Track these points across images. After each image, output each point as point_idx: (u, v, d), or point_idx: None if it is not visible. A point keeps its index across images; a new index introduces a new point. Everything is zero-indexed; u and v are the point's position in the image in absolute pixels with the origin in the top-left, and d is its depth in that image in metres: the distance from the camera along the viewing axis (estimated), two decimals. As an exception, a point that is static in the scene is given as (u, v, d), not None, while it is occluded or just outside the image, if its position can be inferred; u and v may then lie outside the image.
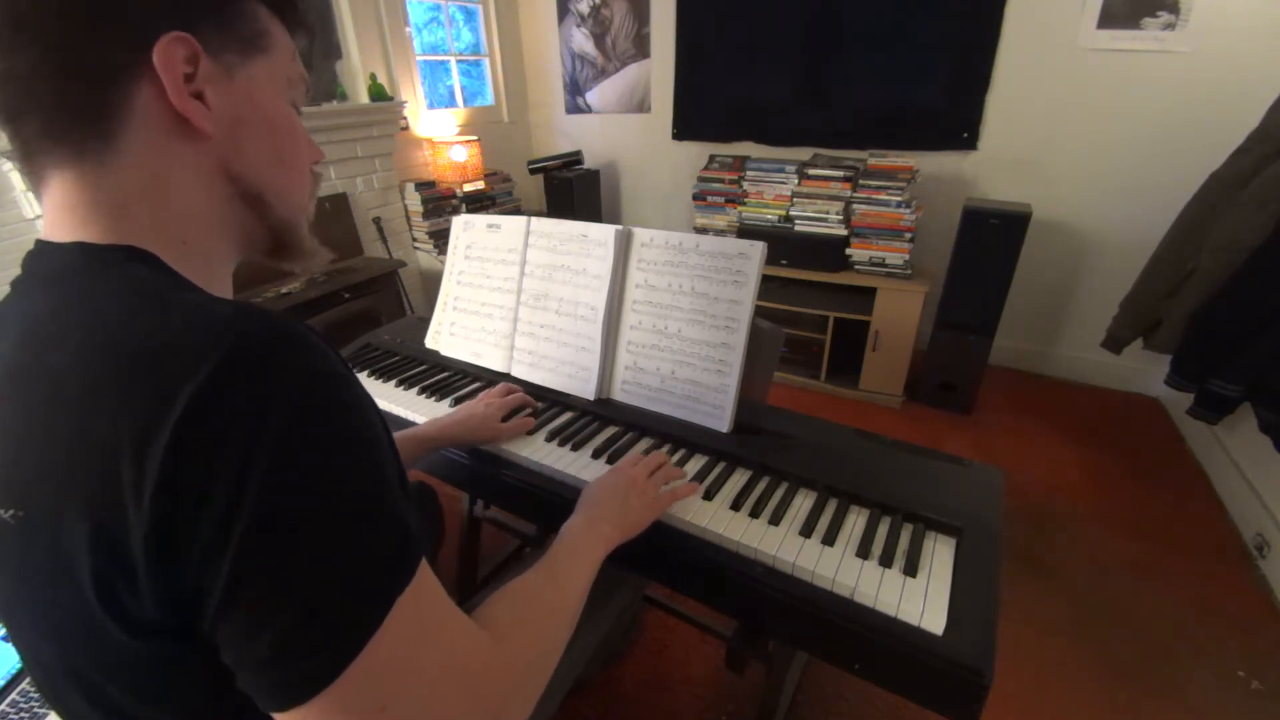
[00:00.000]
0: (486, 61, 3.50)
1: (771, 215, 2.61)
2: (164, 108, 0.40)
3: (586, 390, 1.07)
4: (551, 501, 0.89)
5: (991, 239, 2.14)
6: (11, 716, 0.79)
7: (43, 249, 0.42)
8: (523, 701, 0.47)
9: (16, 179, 1.86)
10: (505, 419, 0.99)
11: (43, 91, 0.38)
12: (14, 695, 0.81)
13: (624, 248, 1.05)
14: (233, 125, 0.43)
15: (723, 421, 0.97)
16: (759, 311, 0.96)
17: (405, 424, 1.06)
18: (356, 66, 2.74)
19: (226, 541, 0.32)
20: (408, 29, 2.92)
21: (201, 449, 0.32)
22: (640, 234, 1.04)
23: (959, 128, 2.53)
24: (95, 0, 0.38)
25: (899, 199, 2.33)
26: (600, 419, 1.03)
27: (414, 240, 3.17)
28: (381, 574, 0.37)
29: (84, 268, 0.40)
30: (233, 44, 0.43)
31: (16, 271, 0.43)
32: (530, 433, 0.99)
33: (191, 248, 0.44)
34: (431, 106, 3.17)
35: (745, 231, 2.66)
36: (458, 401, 1.10)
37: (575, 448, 0.96)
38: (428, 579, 0.40)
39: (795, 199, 2.54)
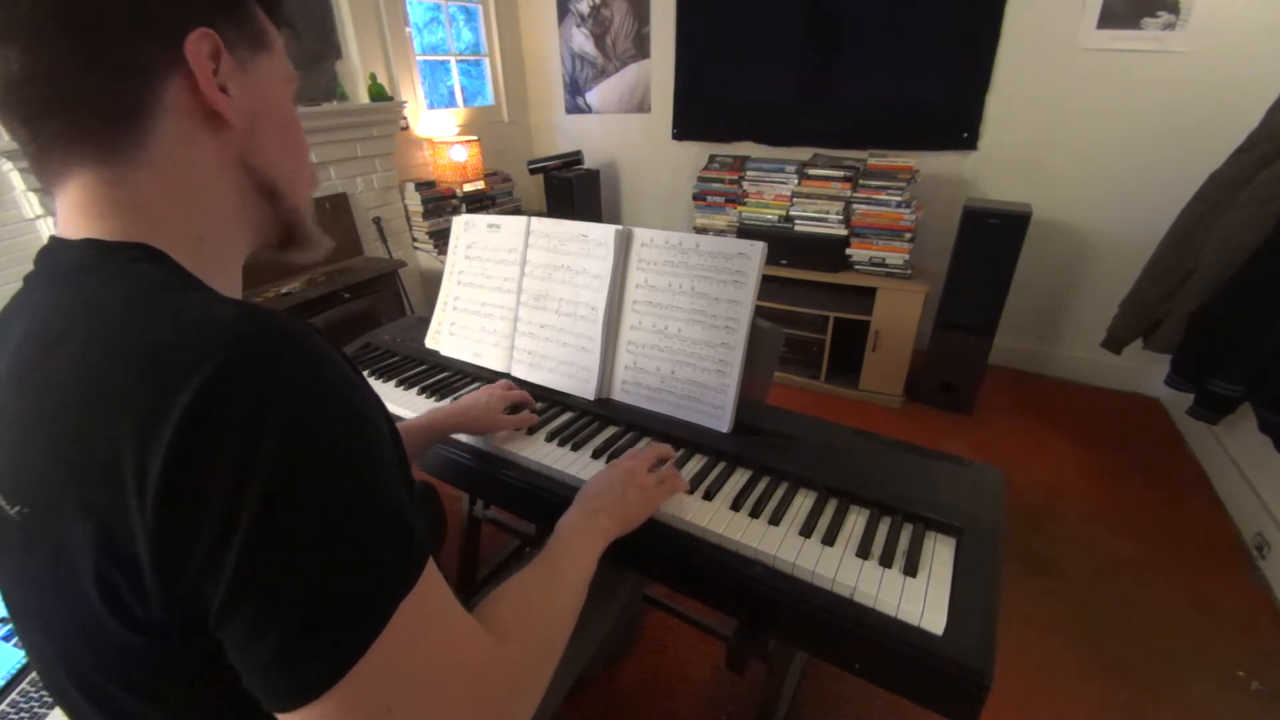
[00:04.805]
0: (486, 61, 3.50)
1: (771, 215, 2.61)
2: (193, 102, 0.41)
3: (586, 390, 1.07)
4: (551, 501, 0.88)
5: (991, 239, 2.14)
6: (11, 716, 0.79)
7: (55, 245, 0.43)
8: (527, 699, 0.47)
9: (16, 179, 1.85)
10: (508, 413, 0.98)
11: (65, 90, 0.38)
12: (14, 695, 0.81)
13: (624, 248, 1.05)
14: (250, 118, 0.45)
15: (723, 421, 0.97)
16: (759, 311, 0.96)
17: (405, 424, 1.06)
18: (356, 66, 2.73)
19: (228, 544, 0.32)
20: (408, 29, 2.92)
21: (201, 450, 0.32)
22: (640, 234, 1.04)
23: (959, 128, 2.52)
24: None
25: (899, 199, 2.33)
26: (600, 419, 1.03)
27: (414, 240, 3.17)
28: (385, 576, 0.37)
29: (92, 265, 0.40)
30: (244, 40, 0.44)
31: (16, 270, 0.43)
32: (530, 433, 0.99)
33: (207, 242, 0.44)
34: (431, 106, 3.17)
35: (745, 231, 2.66)
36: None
37: (575, 448, 0.96)
38: (434, 581, 0.40)
39: (795, 199, 2.54)
